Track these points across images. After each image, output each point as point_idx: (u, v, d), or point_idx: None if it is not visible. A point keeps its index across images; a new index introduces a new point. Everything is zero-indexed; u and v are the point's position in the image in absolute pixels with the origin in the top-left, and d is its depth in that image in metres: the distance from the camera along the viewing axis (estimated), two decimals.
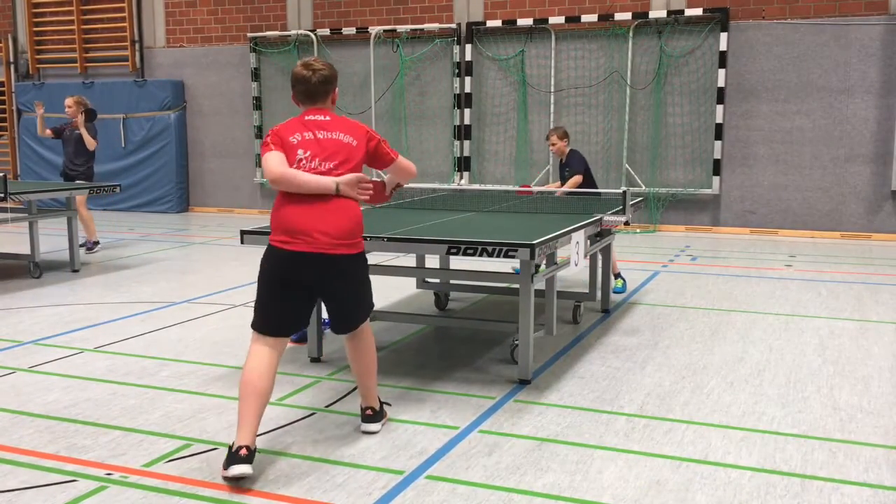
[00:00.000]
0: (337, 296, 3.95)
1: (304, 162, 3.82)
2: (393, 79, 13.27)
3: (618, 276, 7.55)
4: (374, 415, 4.21)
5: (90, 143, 9.69)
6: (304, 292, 3.87)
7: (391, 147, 4.13)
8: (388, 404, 4.47)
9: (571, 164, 7.73)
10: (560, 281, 7.65)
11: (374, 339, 4.23)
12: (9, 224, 8.60)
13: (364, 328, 4.12)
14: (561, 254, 6.70)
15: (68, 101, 9.81)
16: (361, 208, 4.04)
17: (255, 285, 3.91)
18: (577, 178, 7.55)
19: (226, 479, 3.56)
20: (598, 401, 4.63)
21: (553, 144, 7.80)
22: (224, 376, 5.12)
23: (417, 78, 13.21)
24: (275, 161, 3.80)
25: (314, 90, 3.95)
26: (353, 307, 4.03)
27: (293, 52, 13.78)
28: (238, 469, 3.50)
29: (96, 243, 9.97)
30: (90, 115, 9.81)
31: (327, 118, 3.95)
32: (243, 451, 3.54)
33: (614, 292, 7.40)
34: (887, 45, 10.86)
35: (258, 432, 3.75)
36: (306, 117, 3.95)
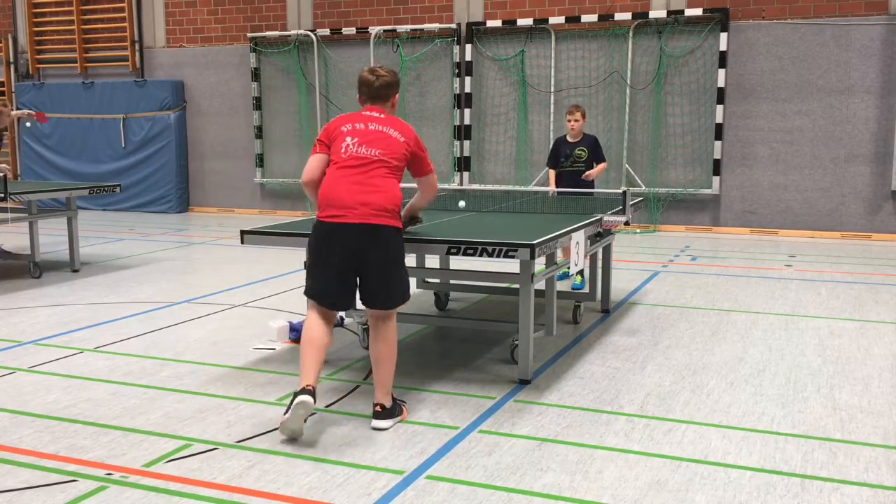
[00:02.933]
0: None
1: (350, 147, 4.23)
2: None
3: (580, 272, 7.57)
4: (382, 412, 4.22)
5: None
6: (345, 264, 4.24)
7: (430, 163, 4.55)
8: (403, 402, 4.45)
9: (587, 145, 7.94)
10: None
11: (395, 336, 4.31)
12: (9, 224, 8.60)
13: (390, 314, 4.30)
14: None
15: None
16: None
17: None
18: (604, 165, 7.99)
19: (282, 426, 3.99)
20: (598, 401, 4.63)
21: (577, 121, 7.86)
22: (224, 376, 5.12)
23: (417, 78, 13.21)
24: (311, 165, 4.33)
25: (376, 93, 4.44)
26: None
27: (293, 52, 13.78)
28: (301, 397, 3.92)
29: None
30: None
31: (382, 115, 4.40)
32: (309, 387, 3.99)
33: (573, 288, 7.47)
34: (887, 45, 10.86)
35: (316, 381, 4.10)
36: (364, 112, 4.42)
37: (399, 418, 4.30)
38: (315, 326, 4.21)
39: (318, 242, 4.21)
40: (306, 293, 4.32)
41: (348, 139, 4.24)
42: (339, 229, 4.12)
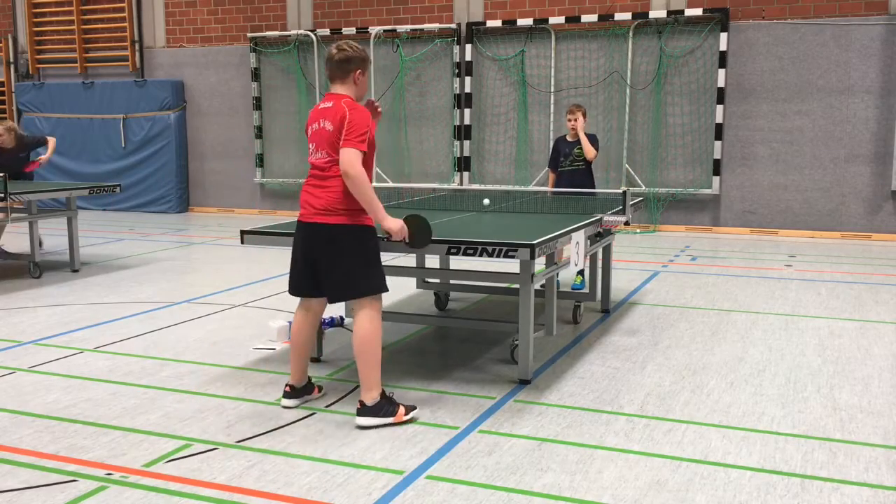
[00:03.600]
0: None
1: (311, 153, 4.32)
2: (393, 79, 13.27)
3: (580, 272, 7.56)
4: (362, 408, 4.24)
5: (51, 150, 9.54)
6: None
7: (353, 135, 4.10)
8: (407, 406, 4.36)
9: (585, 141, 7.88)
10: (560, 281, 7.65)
11: (375, 330, 4.25)
12: (9, 224, 8.60)
13: (362, 307, 4.27)
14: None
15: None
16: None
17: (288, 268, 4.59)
18: (594, 151, 7.74)
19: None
20: (598, 401, 4.63)
21: (577, 119, 7.81)
22: (224, 376, 5.12)
23: (417, 78, 13.21)
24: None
25: (336, 67, 4.28)
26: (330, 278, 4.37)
27: (293, 52, 13.78)
28: (283, 401, 4.54)
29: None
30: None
31: (330, 105, 4.24)
32: (286, 388, 4.56)
33: (573, 288, 7.47)
34: (887, 45, 10.86)
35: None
36: (319, 105, 4.33)
37: (390, 419, 4.24)
38: (296, 323, 4.60)
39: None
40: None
41: (310, 146, 4.32)
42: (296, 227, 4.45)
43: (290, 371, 4.58)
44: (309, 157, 4.34)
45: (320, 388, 4.70)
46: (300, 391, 4.58)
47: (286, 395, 4.56)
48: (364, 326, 4.25)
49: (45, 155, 9.55)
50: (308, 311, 4.55)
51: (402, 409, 4.31)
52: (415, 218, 4.42)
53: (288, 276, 4.56)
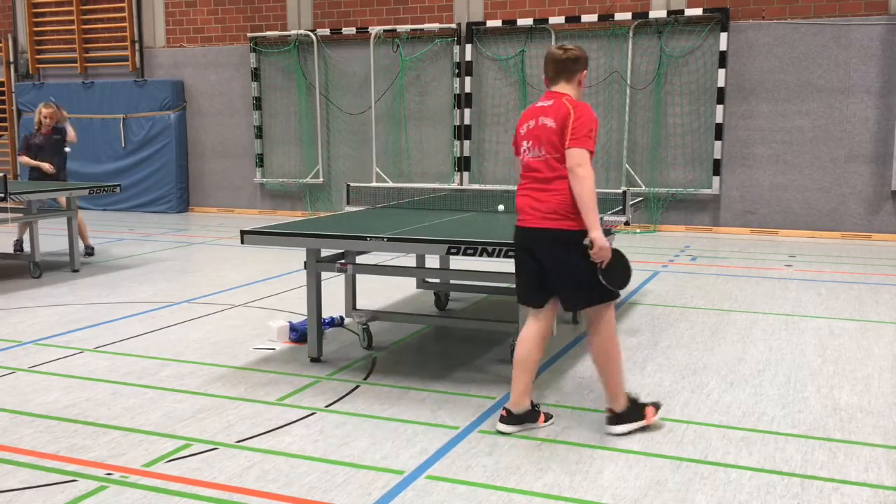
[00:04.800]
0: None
1: (524, 144, 4.19)
2: (393, 79, 13.27)
3: None
4: (613, 416, 4.14)
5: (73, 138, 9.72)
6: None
7: (580, 135, 3.95)
8: (654, 403, 4.28)
9: None
10: None
11: (614, 336, 4.12)
12: (9, 224, 8.60)
13: (597, 315, 4.09)
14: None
15: (48, 111, 9.52)
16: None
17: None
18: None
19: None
20: (598, 401, 4.63)
21: None
22: (224, 376, 5.12)
23: (417, 78, 13.21)
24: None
25: (562, 67, 4.16)
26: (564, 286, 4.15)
27: (293, 52, 13.78)
28: (498, 426, 4.16)
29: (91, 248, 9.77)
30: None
31: (550, 103, 4.11)
32: (502, 412, 4.19)
33: None
34: (887, 45, 10.86)
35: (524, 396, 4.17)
36: (537, 104, 4.19)
37: (641, 422, 4.12)
38: (523, 336, 4.24)
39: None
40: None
41: (524, 143, 4.19)
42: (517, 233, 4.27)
43: (511, 390, 4.18)
44: (522, 157, 4.21)
45: (548, 417, 4.28)
46: (518, 418, 4.16)
47: (502, 420, 4.17)
48: (603, 335, 4.10)
49: (70, 135, 9.66)
50: (536, 321, 4.19)
51: (650, 409, 4.20)
52: (620, 253, 4.13)
53: (516, 285, 4.30)
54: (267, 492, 3.50)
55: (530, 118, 4.17)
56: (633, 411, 4.16)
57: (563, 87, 4.15)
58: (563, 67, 4.14)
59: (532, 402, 4.23)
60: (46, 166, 9.30)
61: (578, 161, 3.91)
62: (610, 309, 4.12)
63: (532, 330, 4.19)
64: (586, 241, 3.97)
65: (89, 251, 9.65)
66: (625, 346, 5.75)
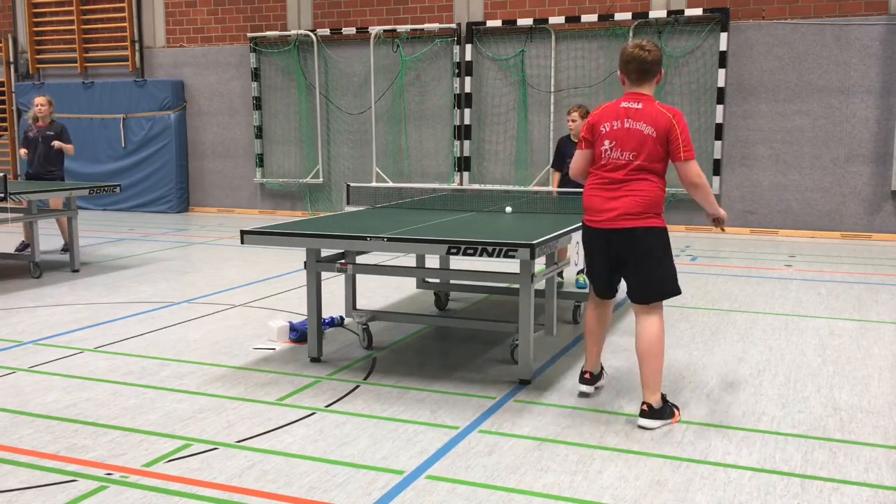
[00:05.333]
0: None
1: (607, 143, 4.27)
2: (393, 79, 13.27)
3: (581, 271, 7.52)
4: (648, 411, 4.21)
5: (70, 149, 9.63)
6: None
7: (687, 146, 4.25)
8: (676, 406, 4.36)
9: None
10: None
11: (663, 332, 4.31)
12: (9, 224, 8.60)
13: (652, 307, 4.31)
14: None
15: (41, 99, 9.59)
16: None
17: None
18: None
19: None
20: (598, 401, 4.63)
21: (574, 121, 7.77)
22: (224, 376, 5.12)
23: (417, 78, 13.21)
24: (577, 163, 4.48)
25: (649, 68, 4.27)
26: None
27: (293, 52, 13.78)
28: (580, 387, 4.67)
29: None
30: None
31: (640, 106, 4.25)
32: (586, 375, 4.67)
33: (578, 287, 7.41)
34: (887, 45, 10.86)
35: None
36: (622, 104, 4.30)
37: (670, 421, 4.24)
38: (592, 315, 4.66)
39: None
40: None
41: (607, 143, 4.28)
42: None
43: (586, 359, 4.69)
44: (603, 154, 4.29)
45: (606, 374, 4.92)
46: (597, 377, 4.72)
47: (585, 382, 4.66)
48: (656, 327, 4.28)
49: (66, 145, 9.59)
50: (600, 306, 4.61)
51: (677, 412, 4.32)
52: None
53: (591, 278, 4.57)
54: (267, 492, 3.50)
55: (613, 118, 4.27)
56: (666, 409, 4.26)
57: (646, 89, 4.30)
58: (649, 69, 4.27)
59: (601, 366, 4.79)
60: (23, 154, 9.45)
61: (698, 172, 4.26)
62: (662, 305, 4.39)
63: (594, 311, 4.62)
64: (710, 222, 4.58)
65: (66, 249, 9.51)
66: (626, 346, 5.76)
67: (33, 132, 9.58)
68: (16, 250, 9.48)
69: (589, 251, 4.51)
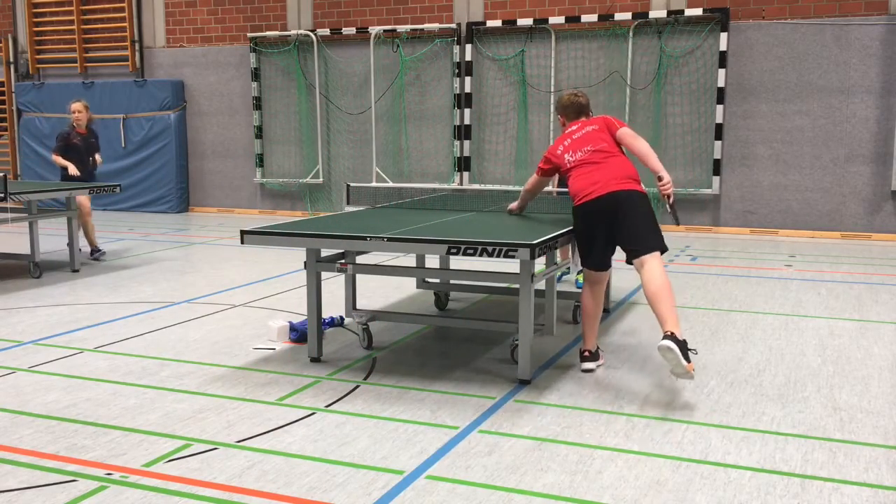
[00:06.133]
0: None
1: (567, 156, 5.22)
2: (393, 79, 13.27)
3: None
4: (672, 336, 4.46)
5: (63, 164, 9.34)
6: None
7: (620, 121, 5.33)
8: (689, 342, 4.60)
9: None
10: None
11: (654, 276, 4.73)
12: (9, 224, 8.60)
13: (654, 258, 4.84)
14: None
15: (77, 106, 9.56)
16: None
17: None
18: None
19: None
20: (598, 401, 4.63)
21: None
22: (224, 376, 5.12)
23: (417, 78, 13.21)
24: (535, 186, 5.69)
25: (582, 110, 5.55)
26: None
27: (293, 52, 13.78)
28: (584, 366, 5.15)
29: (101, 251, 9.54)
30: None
31: (578, 124, 5.41)
32: (586, 353, 5.17)
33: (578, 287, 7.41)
34: (887, 45, 10.86)
35: None
36: (569, 130, 5.41)
37: (685, 363, 4.42)
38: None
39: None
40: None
41: (566, 156, 5.27)
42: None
43: (586, 339, 5.17)
44: (568, 162, 5.24)
45: (602, 353, 5.35)
46: (596, 355, 5.19)
47: (586, 359, 5.15)
48: (661, 272, 4.77)
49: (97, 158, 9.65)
50: (596, 285, 5.16)
51: (692, 364, 4.52)
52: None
53: (588, 257, 5.08)
54: (267, 492, 3.50)
55: (562, 141, 5.42)
56: (685, 347, 4.48)
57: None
58: (583, 109, 5.58)
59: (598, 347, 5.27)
60: (72, 170, 9.24)
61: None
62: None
63: (591, 293, 5.19)
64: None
65: (96, 253, 9.47)
66: (625, 345, 5.77)
67: (77, 140, 9.45)
68: (92, 257, 9.37)
69: (587, 230, 5.04)
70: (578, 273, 7.55)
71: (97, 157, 9.62)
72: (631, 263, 4.93)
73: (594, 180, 5.00)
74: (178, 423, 4.29)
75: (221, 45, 14.47)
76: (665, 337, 4.45)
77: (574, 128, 5.36)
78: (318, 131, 13.79)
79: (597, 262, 5.10)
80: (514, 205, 5.92)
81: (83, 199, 9.21)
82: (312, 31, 13.62)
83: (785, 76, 11.34)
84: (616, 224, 4.94)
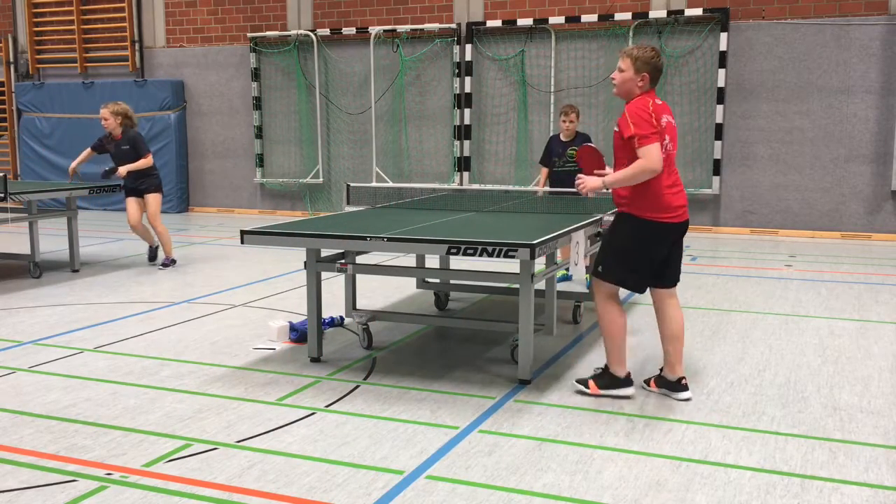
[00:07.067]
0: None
1: (668, 147, 4.44)
2: (393, 79, 13.27)
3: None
4: (686, 385, 4.64)
5: (141, 164, 8.80)
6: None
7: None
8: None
9: (580, 144, 7.79)
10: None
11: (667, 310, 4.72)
12: (9, 224, 8.60)
13: (674, 293, 4.73)
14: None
15: (104, 112, 8.79)
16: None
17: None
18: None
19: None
20: (598, 401, 4.63)
21: (572, 122, 7.81)
22: (224, 376, 5.12)
23: (417, 78, 13.21)
24: (657, 155, 4.34)
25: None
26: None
27: (293, 52, 13.78)
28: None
29: (173, 261, 9.08)
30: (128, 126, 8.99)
31: (661, 101, 4.53)
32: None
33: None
34: (887, 45, 10.86)
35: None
36: (658, 100, 4.48)
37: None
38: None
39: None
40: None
41: (667, 138, 4.44)
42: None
43: (622, 361, 4.69)
44: (665, 148, 4.39)
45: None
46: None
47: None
48: (680, 312, 4.71)
49: (133, 165, 8.75)
50: (615, 297, 4.71)
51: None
52: None
53: (632, 276, 4.61)
54: (267, 492, 3.50)
55: (667, 113, 4.46)
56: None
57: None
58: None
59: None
60: (71, 167, 9.02)
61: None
62: None
63: (622, 312, 4.72)
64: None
65: (167, 262, 9.01)
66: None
67: (110, 146, 8.94)
68: (158, 263, 9.05)
69: (649, 249, 4.54)
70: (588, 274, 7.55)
71: (121, 168, 8.65)
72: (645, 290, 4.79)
73: (683, 197, 4.55)
74: (178, 423, 4.29)
75: (221, 45, 14.47)
76: (684, 388, 4.65)
77: (660, 102, 4.48)
78: (318, 131, 13.79)
79: (642, 284, 4.70)
80: (597, 183, 4.79)
81: (152, 201, 8.76)
82: (312, 31, 13.62)
83: (785, 76, 11.34)
84: (674, 251, 4.66)
